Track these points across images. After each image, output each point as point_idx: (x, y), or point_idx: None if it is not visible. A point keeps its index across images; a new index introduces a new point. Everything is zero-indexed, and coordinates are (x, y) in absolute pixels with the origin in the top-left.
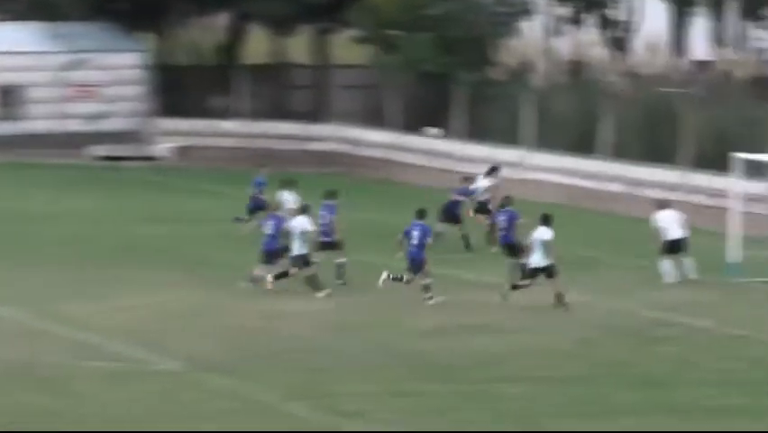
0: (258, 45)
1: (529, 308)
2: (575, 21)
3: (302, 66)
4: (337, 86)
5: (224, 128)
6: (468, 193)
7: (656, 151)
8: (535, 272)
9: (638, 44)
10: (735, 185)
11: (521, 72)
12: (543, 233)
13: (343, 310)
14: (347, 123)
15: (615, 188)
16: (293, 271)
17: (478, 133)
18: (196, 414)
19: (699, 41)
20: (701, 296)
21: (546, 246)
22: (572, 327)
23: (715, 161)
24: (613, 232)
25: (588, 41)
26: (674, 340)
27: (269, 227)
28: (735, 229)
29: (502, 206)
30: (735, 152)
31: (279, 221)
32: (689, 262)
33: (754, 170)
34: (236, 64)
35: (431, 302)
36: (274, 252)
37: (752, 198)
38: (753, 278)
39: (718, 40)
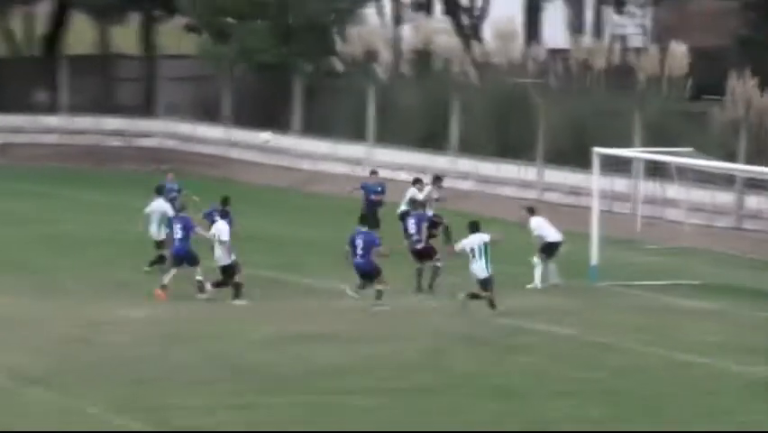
0: (82, 35)
1: (378, 316)
2: (422, 7)
3: (129, 57)
4: (166, 78)
5: (46, 124)
6: (381, 192)
7: (510, 146)
8: (485, 283)
9: (489, 32)
10: (595, 182)
11: (365, 62)
12: (482, 238)
13: (178, 319)
14: (177, 117)
15: (465, 185)
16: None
17: (319, 127)
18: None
19: (555, 29)
20: (563, 301)
21: (487, 252)
22: (424, 336)
23: (573, 157)
24: (463, 233)
25: (435, 28)
26: (533, 349)
27: (177, 231)
28: (596, 230)
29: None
30: (594, 146)
31: (188, 223)
32: (552, 266)
33: (615, 166)
34: (59, 55)
35: (375, 309)
36: (184, 256)
37: (612, 197)
38: (616, 281)
39: (575, 27)
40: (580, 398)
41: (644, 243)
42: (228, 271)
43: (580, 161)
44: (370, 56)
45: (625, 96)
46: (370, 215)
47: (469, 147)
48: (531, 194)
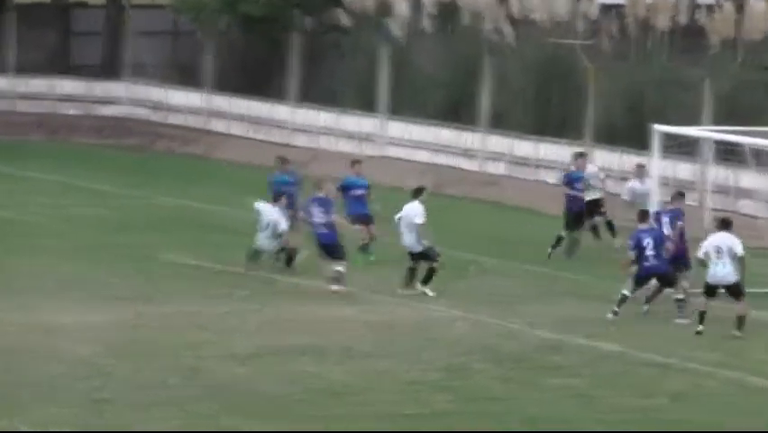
0: None
1: (385, 326)
2: None
3: (89, 6)
4: (134, 32)
5: None
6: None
7: (551, 121)
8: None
9: None
10: (654, 166)
11: (377, 16)
12: (414, 210)
13: (144, 325)
14: (147, 80)
15: (497, 168)
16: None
17: (320, 96)
18: None
19: None
20: (605, 311)
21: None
22: (439, 351)
23: (628, 136)
24: (494, 225)
25: None
26: (573, 369)
27: (318, 215)
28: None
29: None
30: (654, 122)
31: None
32: None
33: (679, 148)
34: (6, 5)
35: (334, 288)
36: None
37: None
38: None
39: None
40: (634, 430)
41: None
42: (425, 257)
43: (636, 140)
44: (384, 8)
45: (693, 62)
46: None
47: (502, 122)
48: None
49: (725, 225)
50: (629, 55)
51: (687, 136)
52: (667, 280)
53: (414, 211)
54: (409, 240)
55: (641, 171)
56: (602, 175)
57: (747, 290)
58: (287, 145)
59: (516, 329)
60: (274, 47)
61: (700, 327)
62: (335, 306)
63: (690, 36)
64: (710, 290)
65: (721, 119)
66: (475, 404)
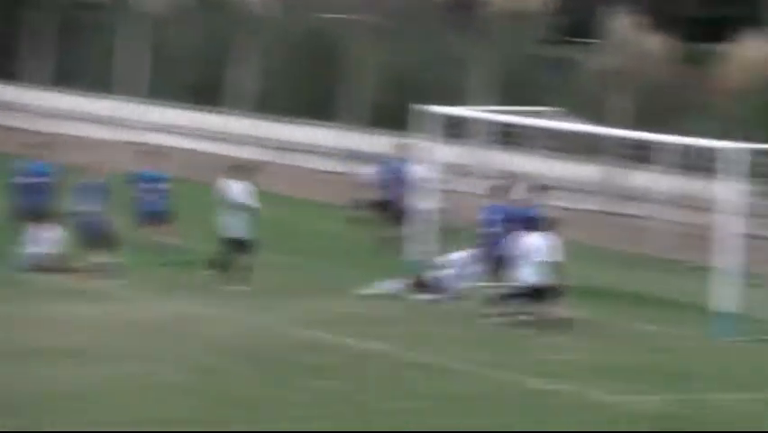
0: None
1: (132, 325)
2: None
3: None
4: None
5: None
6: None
7: (317, 103)
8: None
9: None
10: (431, 150)
11: None
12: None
13: None
14: None
15: (257, 153)
16: None
17: (65, 77)
18: None
19: None
20: (377, 308)
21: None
22: (191, 352)
23: (401, 118)
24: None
25: None
26: (334, 370)
27: None
28: (432, 215)
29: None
30: (428, 102)
31: None
32: None
33: (453, 130)
34: None
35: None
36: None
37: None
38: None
39: None
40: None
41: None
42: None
43: (407, 122)
44: None
45: (467, 38)
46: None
47: (262, 104)
48: (343, 166)
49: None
50: (400, 30)
51: (459, 117)
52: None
53: (246, 192)
54: (235, 225)
55: (405, 151)
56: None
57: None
58: (31, 131)
59: (274, 327)
60: (13, 24)
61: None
62: (86, 304)
63: (464, 9)
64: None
65: (496, 98)
66: (228, 409)
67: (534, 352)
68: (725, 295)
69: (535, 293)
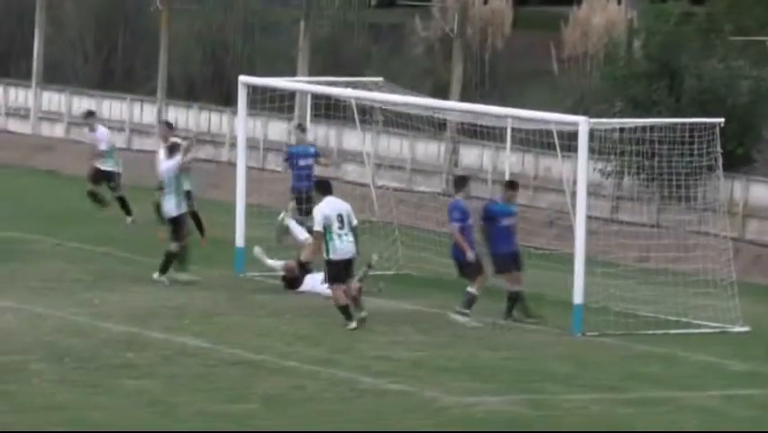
0: None
1: None
2: None
3: None
4: None
5: None
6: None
7: (117, 74)
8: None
9: None
10: (240, 127)
11: None
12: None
13: None
14: None
15: (52, 130)
16: None
17: None
18: None
19: None
20: (195, 299)
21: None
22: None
23: (207, 91)
24: (50, 199)
25: None
26: (147, 368)
27: None
28: (241, 194)
29: None
30: (241, 74)
31: None
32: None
33: (271, 104)
34: None
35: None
36: None
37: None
38: (267, 271)
39: None
40: None
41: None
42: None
43: (219, 94)
44: None
45: (286, 3)
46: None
47: (58, 76)
48: (148, 143)
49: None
50: None
51: (278, 89)
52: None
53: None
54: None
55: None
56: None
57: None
58: None
59: (79, 322)
60: None
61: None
62: None
63: None
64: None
65: (319, 69)
66: (32, 414)
67: (371, 348)
68: (578, 286)
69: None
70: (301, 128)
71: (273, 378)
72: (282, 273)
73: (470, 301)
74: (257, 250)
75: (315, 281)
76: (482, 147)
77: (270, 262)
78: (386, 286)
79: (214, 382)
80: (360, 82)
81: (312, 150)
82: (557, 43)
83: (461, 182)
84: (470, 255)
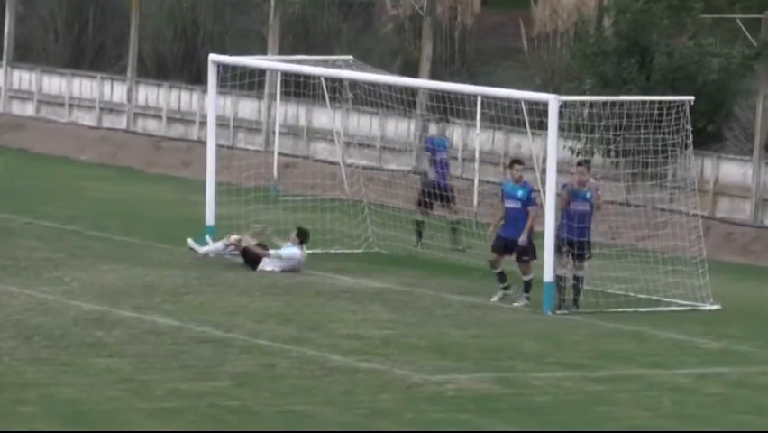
0: None
1: None
2: None
3: None
4: None
5: None
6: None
7: (87, 53)
8: None
9: None
10: (210, 103)
11: None
12: None
13: None
14: None
15: (23, 109)
16: None
17: None
18: None
19: None
20: (164, 278)
21: None
22: None
23: (181, 69)
24: (21, 177)
25: None
26: (117, 347)
27: None
28: (212, 174)
29: None
30: (213, 52)
31: None
32: None
33: (241, 81)
34: None
35: None
36: None
37: (238, 125)
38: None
39: None
40: (187, 421)
41: (280, 192)
42: None
43: (189, 73)
44: None
45: None
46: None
47: (28, 55)
48: (119, 121)
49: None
50: None
51: (249, 67)
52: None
53: None
54: None
55: None
56: None
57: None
58: None
59: (49, 300)
60: None
61: None
62: None
63: None
64: None
65: (290, 47)
66: (2, 391)
67: (338, 326)
68: (547, 264)
69: None
70: (444, 120)
71: (243, 356)
72: (234, 248)
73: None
74: (190, 241)
75: (271, 262)
76: (452, 125)
77: (205, 248)
78: (357, 264)
79: (185, 361)
80: (330, 60)
81: (446, 142)
82: (527, 21)
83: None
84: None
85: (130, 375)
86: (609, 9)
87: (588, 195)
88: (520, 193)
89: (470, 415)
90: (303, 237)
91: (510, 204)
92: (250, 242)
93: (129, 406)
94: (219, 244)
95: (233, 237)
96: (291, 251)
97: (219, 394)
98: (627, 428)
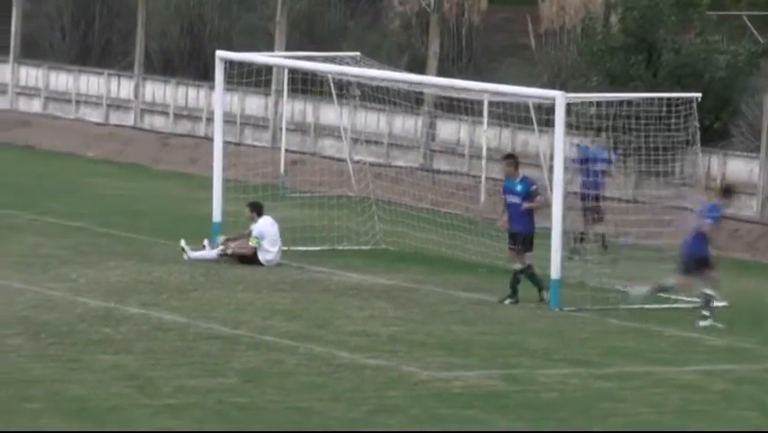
0: None
1: None
2: None
3: None
4: None
5: None
6: None
7: (94, 49)
8: None
9: None
10: (217, 101)
11: None
12: None
13: None
14: None
15: (29, 106)
16: None
17: None
18: None
19: None
20: (177, 274)
21: None
22: None
23: (185, 65)
24: (28, 174)
25: None
26: (124, 344)
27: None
28: (219, 171)
29: None
30: (219, 48)
31: None
32: None
33: (248, 78)
34: None
35: None
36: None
37: (245, 122)
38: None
39: None
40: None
41: (288, 188)
42: None
43: (195, 70)
44: None
45: None
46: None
47: (35, 51)
48: (126, 118)
49: None
50: None
51: (256, 64)
52: None
53: None
54: None
55: None
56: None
57: (340, 246)
58: None
59: (56, 297)
60: None
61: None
62: None
63: None
64: None
65: (296, 43)
66: (8, 387)
67: (345, 322)
68: (555, 261)
69: None
70: (605, 132)
71: (250, 353)
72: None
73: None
74: (183, 242)
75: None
76: (459, 121)
77: (197, 253)
78: (364, 261)
79: (192, 357)
80: (337, 57)
81: (605, 154)
82: (534, 18)
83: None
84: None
85: (136, 372)
86: (616, 6)
87: (518, 188)
88: (519, 188)
89: (477, 411)
90: (255, 208)
91: (511, 199)
92: (234, 248)
93: (135, 402)
94: (213, 253)
95: (231, 244)
96: (259, 225)
97: (226, 391)
98: (633, 426)
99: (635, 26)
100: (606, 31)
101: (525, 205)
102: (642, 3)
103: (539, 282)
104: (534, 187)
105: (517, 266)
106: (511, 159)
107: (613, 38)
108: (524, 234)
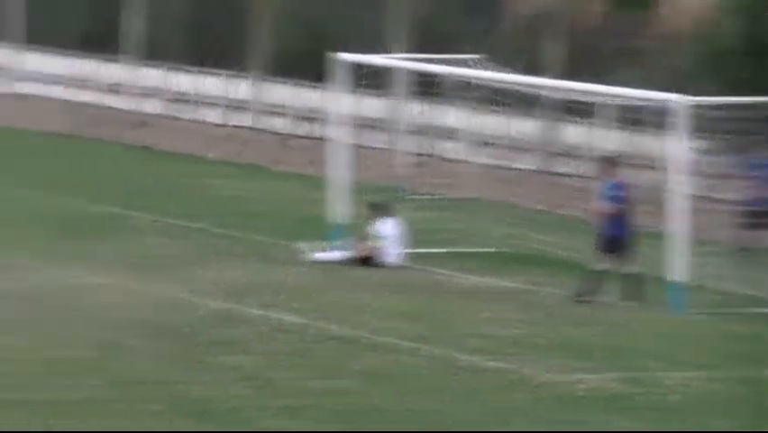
0: None
1: (18, 297)
2: None
3: None
4: None
5: None
6: None
7: (213, 50)
8: None
9: None
10: (338, 103)
11: None
12: None
13: None
14: None
15: (150, 106)
16: None
17: None
18: None
19: None
20: (297, 275)
21: None
22: (86, 325)
23: (306, 66)
24: (147, 174)
25: None
26: (243, 345)
27: None
28: (343, 171)
29: None
30: (336, 50)
31: None
32: None
33: (366, 81)
34: None
35: None
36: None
37: (365, 124)
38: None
39: None
40: (313, 419)
41: (407, 190)
42: None
43: (315, 71)
44: None
45: None
46: None
47: (156, 53)
48: (244, 118)
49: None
50: None
51: (375, 66)
52: None
53: None
54: None
55: None
56: None
57: (454, 249)
58: None
59: (177, 298)
60: None
61: None
62: None
63: None
64: None
65: (418, 46)
66: (131, 388)
67: (465, 324)
68: (677, 264)
69: None
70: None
71: (370, 354)
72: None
73: None
74: (301, 245)
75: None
76: (577, 124)
77: (323, 254)
78: (484, 263)
79: (311, 358)
80: (459, 59)
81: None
82: (652, 21)
83: None
84: None
85: (256, 373)
86: (731, 9)
87: (610, 191)
88: (610, 192)
89: (599, 414)
90: (377, 209)
91: (605, 202)
92: (357, 250)
93: (255, 404)
94: (338, 254)
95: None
96: (381, 226)
97: (345, 392)
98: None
99: (752, 30)
100: (723, 34)
101: (601, 208)
102: (759, 6)
103: (630, 287)
104: (621, 192)
105: (602, 267)
106: (608, 160)
107: (730, 41)
108: (612, 238)
